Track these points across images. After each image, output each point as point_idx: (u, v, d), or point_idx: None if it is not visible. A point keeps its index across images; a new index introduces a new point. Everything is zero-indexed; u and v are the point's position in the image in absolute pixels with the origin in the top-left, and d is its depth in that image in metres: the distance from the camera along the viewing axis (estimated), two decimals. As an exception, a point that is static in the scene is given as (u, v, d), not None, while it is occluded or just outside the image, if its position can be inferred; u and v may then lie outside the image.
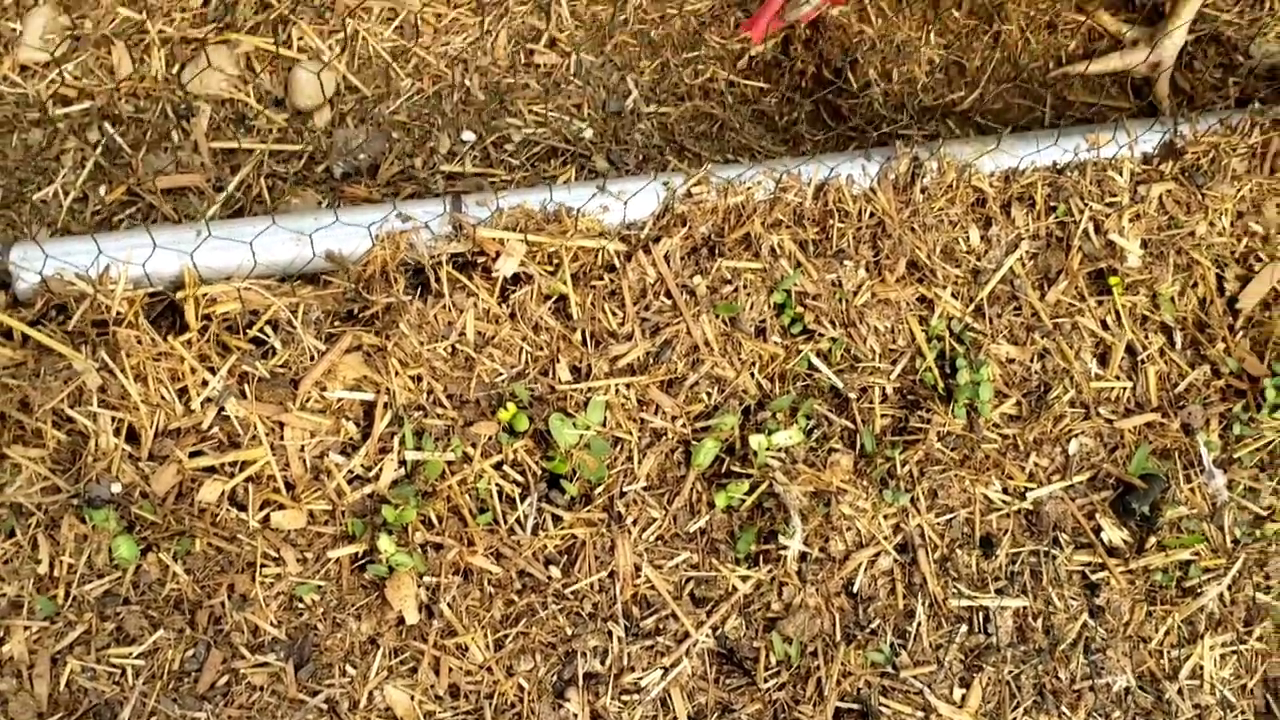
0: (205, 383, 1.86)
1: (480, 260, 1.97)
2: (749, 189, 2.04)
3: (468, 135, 2.25)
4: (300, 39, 2.28)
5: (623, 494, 1.91)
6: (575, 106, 2.29)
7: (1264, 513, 2.00)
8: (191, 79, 2.23)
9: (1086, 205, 2.09)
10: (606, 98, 2.30)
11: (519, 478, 1.90)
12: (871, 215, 2.05)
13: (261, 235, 1.90)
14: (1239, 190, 2.13)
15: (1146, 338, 2.07)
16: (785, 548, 1.86)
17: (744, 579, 1.88)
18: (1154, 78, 2.32)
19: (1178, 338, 2.08)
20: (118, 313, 1.90)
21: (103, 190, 2.19)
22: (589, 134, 2.26)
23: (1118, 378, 2.05)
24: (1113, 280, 2.06)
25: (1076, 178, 2.11)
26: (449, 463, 1.88)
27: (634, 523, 1.89)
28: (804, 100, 2.33)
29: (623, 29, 2.35)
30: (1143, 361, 2.06)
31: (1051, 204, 2.10)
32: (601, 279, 1.99)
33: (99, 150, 2.20)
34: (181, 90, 2.24)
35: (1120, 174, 2.12)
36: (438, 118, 2.27)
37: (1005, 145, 2.10)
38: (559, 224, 1.98)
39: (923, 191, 2.07)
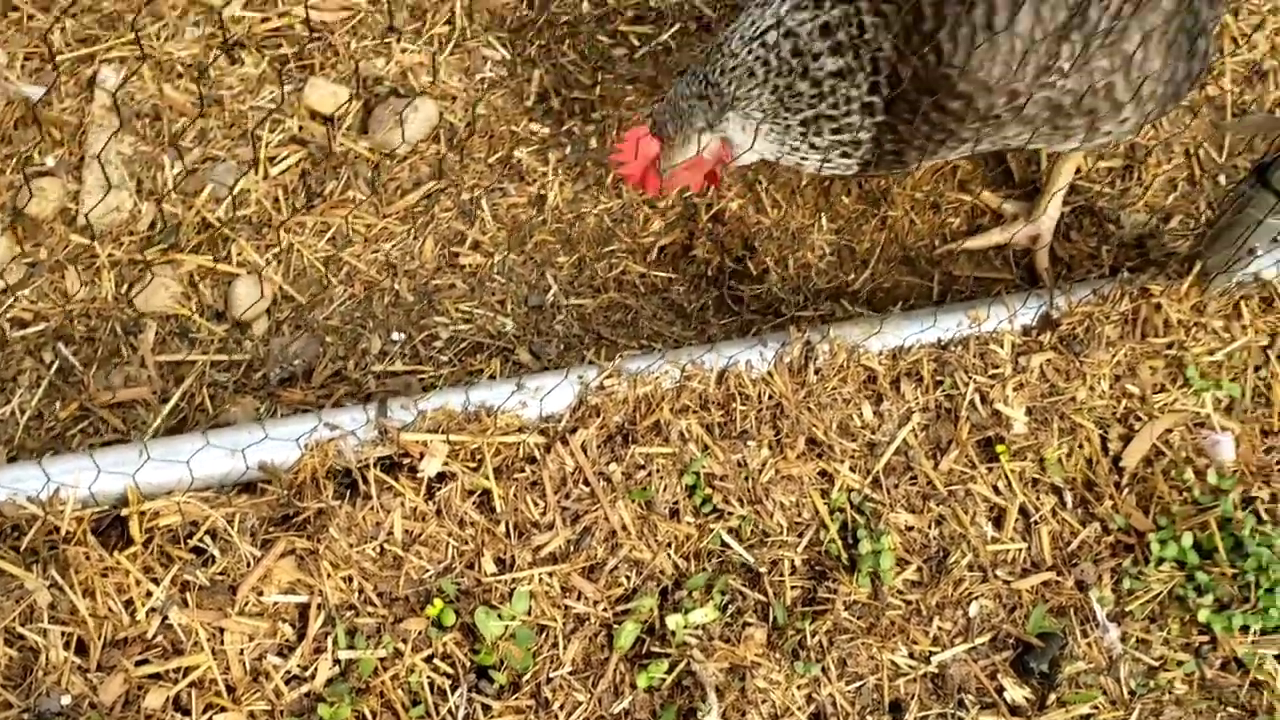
0: (150, 593, 1.98)
1: (406, 461, 2.10)
2: (657, 378, 2.19)
3: (397, 335, 2.41)
4: (239, 255, 2.45)
5: (549, 680, 2.01)
6: (499, 303, 2.46)
7: (1156, 663, 2.12)
8: (138, 294, 2.39)
9: (971, 378, 2.25)
10: (528, 293, 2.47)
11: (449, 670, 2.00)
12: (770, 397, 2.20)
13: (198, 454, 2.04)
14: (1114, 356, 2.29)
15: (1038, 499, 2.21)
16: (703, 724, 1.96)
17: (665, 757, 1.97)
18: (1034, 249, 2.51)
19: (1068, 498, 2.22)
20: (67, 531, 2.02)
21: (57, 406, 2.33)
22: (511, 328, 2.42)
23: (1013, 539, 2.18)
24: (999, 448, 2.20)
25: (960, 352, 2.27)
26: (381, 659, 1.98)
27: (561, 708, 1.99)
28: (709, 288, 2.50)
29: (541, 228, 2.53)
30: (1036, 522, 2.19)
31: (938, 378, 2.25)
32: (523, 471, 2.13)
33: (53, 369, 2.35)
34: (130, 308, 2.40)
35: (1002, 346, 2.29)
36: (369, 320, 2.43)
37: (891, 326, 2.27)
38: (479, 423, 2.12)
39: (816, 372, 2.23)
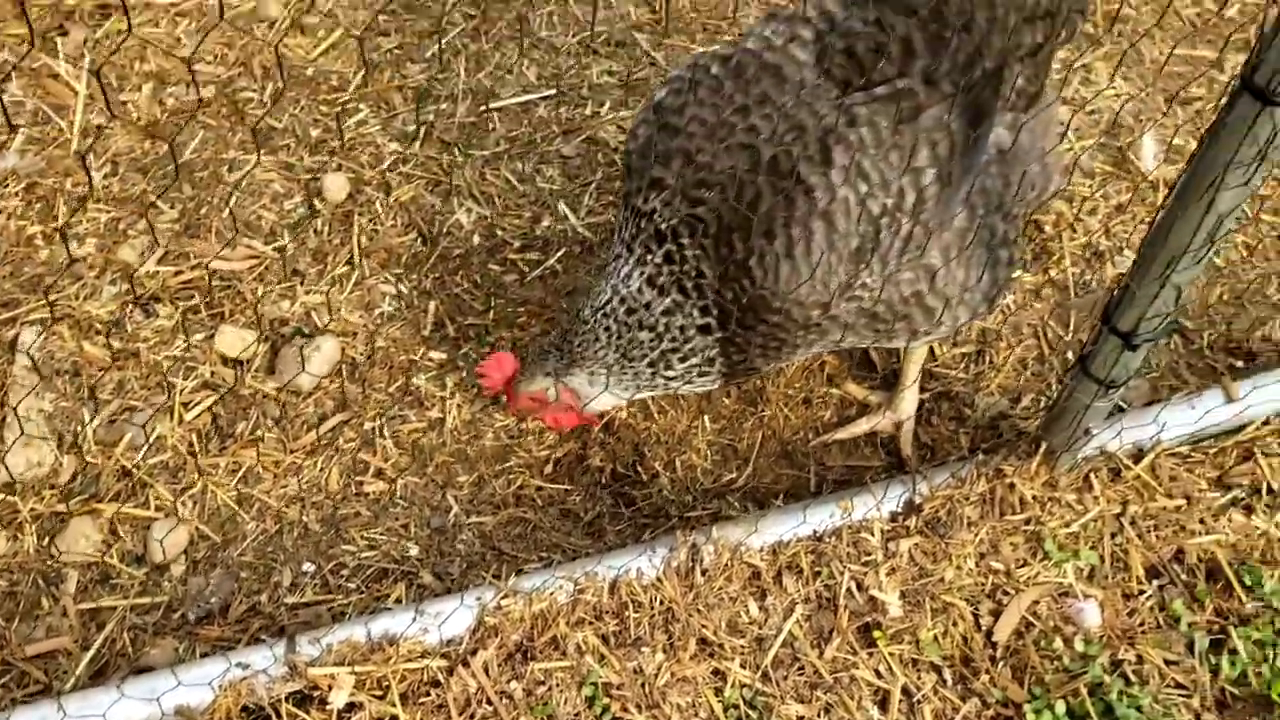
0: None
1: (316, 694, 2.21)
2: (552, 593, 2.33)
3: (308, 566, 2.54)
4: (156, 499, 2.59)
5: None
6: (402, 527, 2.60)
7: (1041, 831, 2.23)
8: (59, 545, 2.50)
9: (846, 567, 2.40)
10: (430, 515, 2.62)
11: None
12: (661, 602, 2.34)
13: (115, 705, 2.14)
14: (976, 535, 2.46)
15: (919, 679, 2.34)
16: None
17: None
18: (898, 436, 2.70)
19: (947, 675, 2.36)
20: (-14, 793, 2.10)
21: (-21, 661, 2.41)
22: (415, 551, 2.56)
23: (897, 720, 2.31)
24: (877, 633, 2.35)
25: (834, 542, 2.44)
26: None
27: None
28: (604, 495, 2.66)
29: (441, 450, 2.70)
30: (918, 702, 2.32)
31: (816, 569, 2.41)
32: (428, 695, 2.24)
33: (-25, 627, 2.44)
34: (52, 559, 2.51)
35: (872, 534, 2.45)
36: (280, 553, 2.56)
37: (769, 523, 2.43)
38: (383, 651, 2.24)
39: (703, 573, 2.38)
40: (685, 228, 2.16)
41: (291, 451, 2.67)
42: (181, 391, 2.73)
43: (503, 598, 2.31)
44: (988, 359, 2.86)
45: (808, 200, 2.08)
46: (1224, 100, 1.77)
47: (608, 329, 2.23)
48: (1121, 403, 2.79)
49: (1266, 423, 2.69)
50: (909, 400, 2.68)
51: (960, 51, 2.15)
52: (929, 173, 2.11)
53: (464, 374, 2.80)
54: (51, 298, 2.85)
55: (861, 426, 2.71)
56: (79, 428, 2.68)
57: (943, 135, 2.12)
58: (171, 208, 3.05)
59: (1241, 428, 2.69)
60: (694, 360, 2.24)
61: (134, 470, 2.62)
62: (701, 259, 2.15)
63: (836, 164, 2.08)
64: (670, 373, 2.25)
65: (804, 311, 2.14)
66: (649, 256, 2.19)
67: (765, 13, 2.88)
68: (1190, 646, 2.40)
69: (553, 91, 3.32)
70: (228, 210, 3.03)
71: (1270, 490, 2.61)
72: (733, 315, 2.16)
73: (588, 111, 3.29)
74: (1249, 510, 2.59)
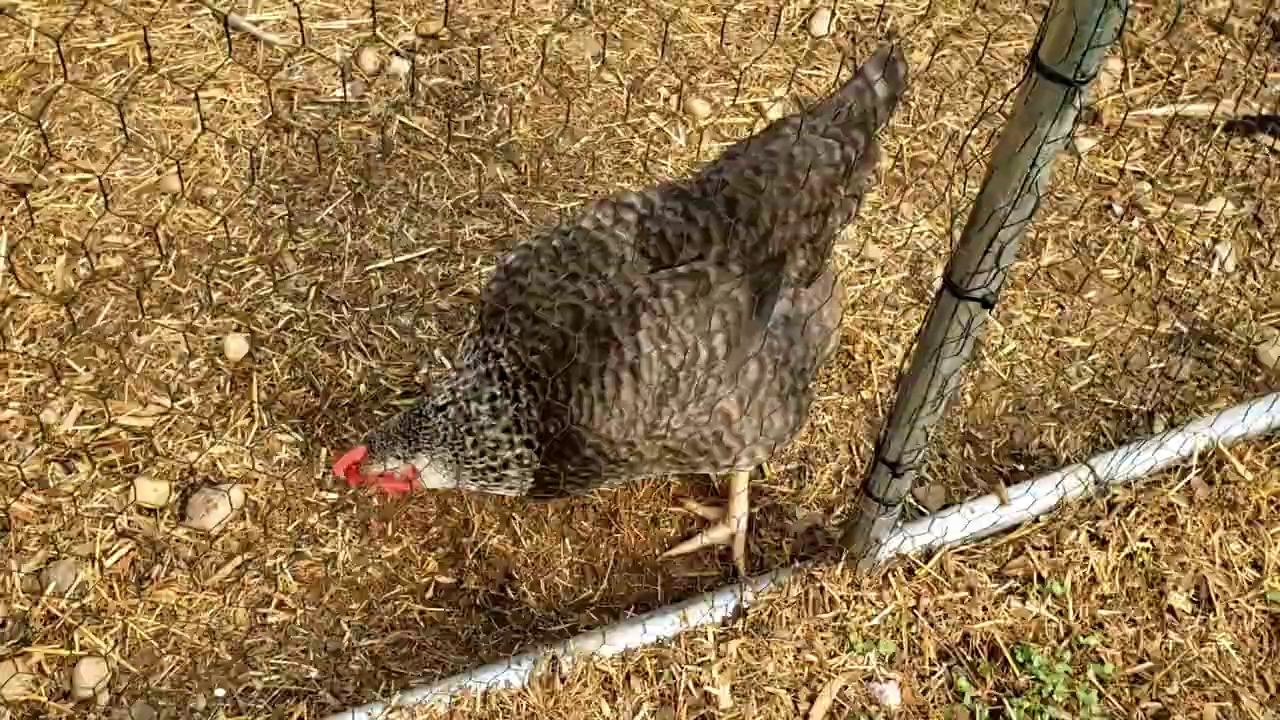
0: None
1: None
2: (432, 706, 2.72)
3: (220, 692, 2.89)
4: (81, 640, 2.93)
5: None
6: (303, 652, 2.97)
7: None
8: (-7, 690, 2.83)
9: (684, 668, 2.84)
10: (326, 640, 3.00)
11: None
12: (527, 709, 2.75)
13: (50, 829, 2.47)
14: (794, 632, 2.92)
15: (748, 759, 2.77)
16: None
17: None
18: (732, 547, 3.16)
19: (771, 754, 2.80)
20: None
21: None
22: (315, 673, 2.93)
23: (730, 796, 2.73)
24: (710, 723, 2.78)
25: (675, 647, 2.87)
26: None
27: None
28: (478, 615, 3.07)
29: (335, 581, 3.08)
30: (747, 779, 2.75)
31: (659, 671, 2.84)
32: (327, 801, 2.60)
33: (-83, 765, 2.74)
34: (-15, 700, 2.83)
35: (707, 637, 2.90)
36: (195, 681, 2.91)
37: (618, 634, 2.86)
38: (287, 767, 2.61)
39: (562, 681, 2.79)
40: (522, 371, 2.63)
41: (203, 589, 3.03)
42: (101, 540, 3.08)
43: (390, 712, 2.70)
44: (808, 475, 3.34)
45: (618, 354, 2.56)
46: (933, 302, 2.28)
47: (446, 430, 2.67)
48: (921, 506, 3.29)
49: (1036, 520, 3.21)
50: (739, 516, 3.14)
51: (747, 241, 2.65)
52: (719, 335, 2.61)
53: (353, 512, 3.19)
54: (-21, 460, 3.19)
55: (698, 542, 3.16)
56: (7, 578, 3.01)
57: (731, 306, 2.62)
58: (86, 370, 3.41)
59: (1016, 525, 3.20)
60: (514, 479, 2.70)
61: (59, 615, 2.96)
62: (531, 401, 2.61)
63: (643, 326, 2.57)
64: (495, 482, 2.72)
65: (613, 448, 2.61)
66: (490, 388, 2.64)
67: (599, 199, 3.38)
68: (973, 717, 2.88)
69: (430, 250, 3.77)
70: (139, 371, 3.40)
71: (1040, 579, 3.11)
72: (552, 448, 2.62)
73: (461, 267, 3.74)
74: (1024, 597, 3.09)
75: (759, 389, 2.68)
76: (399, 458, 2.72)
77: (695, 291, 2.60)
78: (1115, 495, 3.27)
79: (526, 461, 2.66)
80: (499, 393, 2.65)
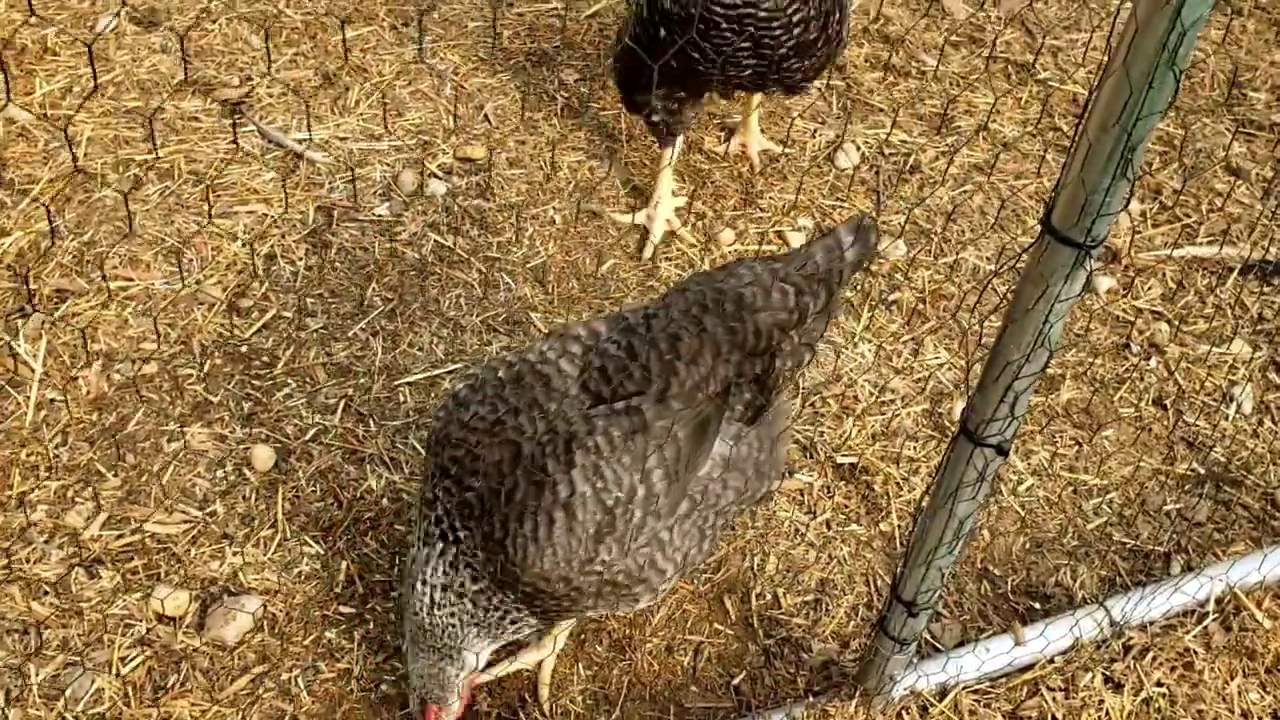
0: None
1: None
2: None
3: (228, 808, 2.89)
4: (92, 748, 2.94)
5: None
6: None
7: None
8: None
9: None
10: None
11: None
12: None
13: None
14: (805, 768, 2.90)
15: None
16: None
17: None
18: (539, 673, 3.13)
19: None
20: None
21: None
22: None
23: None
24: None
25: (685, 779, 2.85)
26: None
27: None
28: (489, 738, 3.07)
29: (349, 698, 3.09)
30: None
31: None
32: None
33: None
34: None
35: (717, 770, 2.88)
36: (204, 797, 2.91)
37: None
38: None
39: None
40: (458, 512, 2.65)
41: (217, 701, 3.04)
42: (119, 647, 3.10)
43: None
44: (825, 607, 3.35)
45: (552, 492, 2.57)
46: (949, 447, 2.33)
47: (452, 614, 2.71)
48: (937, 643, 3.29)
49: (1051, 661, 3.20)
50: (557, 635, 3.12)
51: (688, 379, 2.64)
52: (657, 472, 2.61)
53: (370, 627, 3.21)
54: (3, 561, 3.24)
55: (506, 667, 3.14)
56: (25, 683, 3.03)
57: (670, 443, 2.61)
58: (115, 475, 3.47)
59: (1031, 665, 3.19)
60: (511, 616, 2.75)
61: (74, 721, 2.98)
62: (468, 538, 2.65)
63: (577, 464, 2.57)
64: (510, 625, 2.76)
65: (550, 585, 2.61)
66: (438, 544, 2.68)
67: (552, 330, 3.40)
68: None
69: (457, 366, 3.85)
70: (166, 478, 3.47)
71: (1054, 719, 3.10)
72: (496, 582, 2.66)
73: (486, 384, 3.81)
74: (1039, 739, 3.07)
75: (685, 521, 2.71)
76: (456, 674, 2.79)
77: (632, 428, 2.60)
78: (1131, 638, 3.26)
79: (490, 595, 2.70)
80: (446, 553, 2.69)
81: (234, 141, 4.41)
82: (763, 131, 4.71)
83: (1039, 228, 2.03)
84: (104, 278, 3.93)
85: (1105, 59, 1.80)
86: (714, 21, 3.57)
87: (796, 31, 3.68)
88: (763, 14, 3.58)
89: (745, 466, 2.78)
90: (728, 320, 2.66)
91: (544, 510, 2.56)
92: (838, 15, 3.85)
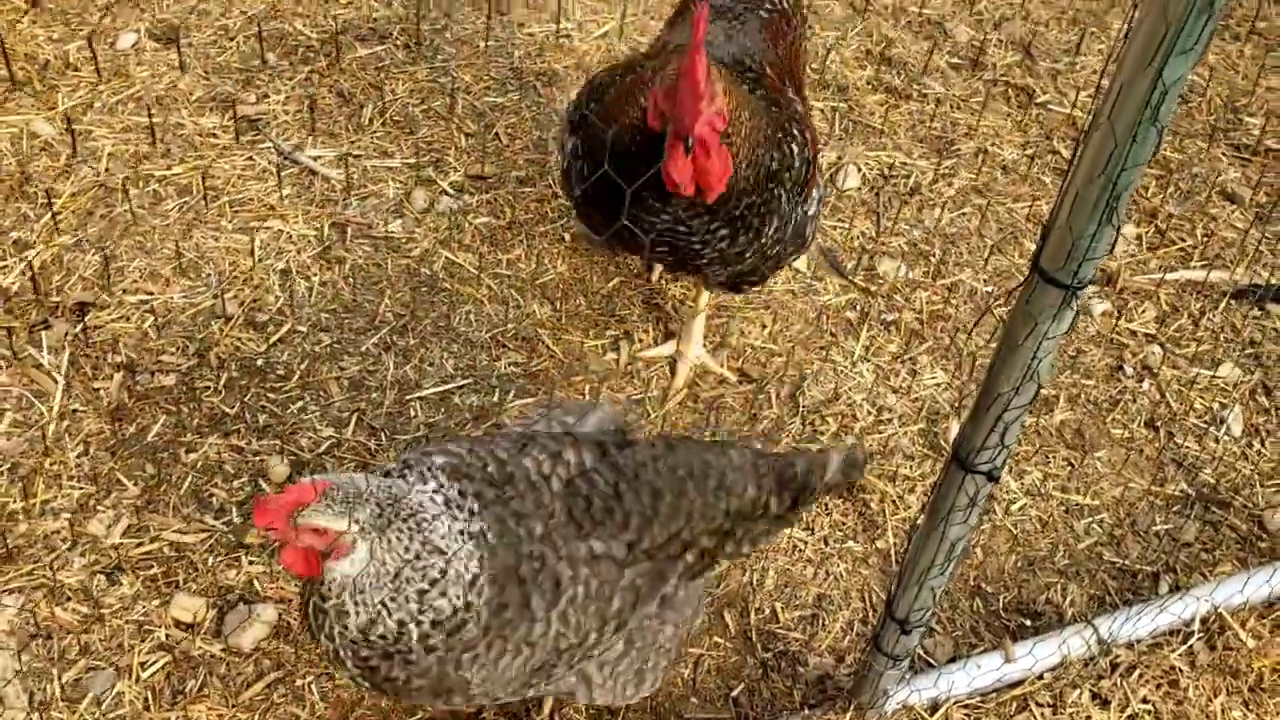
0: None
1: None
2: (448, 835, 2.81)
3: (243, 810, 2.99)
4: (113, 750, 3.04)
5: None
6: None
7: None
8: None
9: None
10: (349, 763, 3.10)
11: None
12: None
13: None
14: (801, 779, 3.00)
15: None
16: None
17: None
18: None
19: None
20: None
21: None
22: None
23: None
24: None
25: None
26: None
27: None
28: (496, 744, 3.17)
29: (360, 705, 3.19)
30: None
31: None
32: None
33: None
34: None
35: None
36: (220, 798, 3.01)
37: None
38: None
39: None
40: None
41: (234, 706, 3.15)
42: (139, 652, 3.21)
43: (407, 839, 2.79)
44: (821, 622, 3.45)
45: (528, 626, 2.48)
46: (941, 472, 2.43)
47: None
48: (929, 658, 3.39)
49: (1040, 678, 3.30)
50: None
51: (659, 536, 2.64)
52: (612, 623, 2.59)
53: (382, 635, 3.32)
54: (28, 568, 3.34)
55: None
56: (48, 686, 3.14)
57: (631, 593, 2.61)
58: (135, 485, 3.58)
59: (1021, 681, 3.29)
60: None
61: (95, 724, 3.08)
62: None
63: (559, 606, 2.50)
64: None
65: (466, 687, 2.52)
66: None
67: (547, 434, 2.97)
68: None
69: (467, 381, 3.96)
70: (184, 488, 3.57)
71: (1043, 736, 3.20)
72: None
73: (495, 399, 3.92)
74: (1027, 753, 3.17)
75: (621, 663, 2.72)
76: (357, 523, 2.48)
77: (606, 579, 2.56)
78: (1118, 656, 3.37)
79: None
80: None
81: (250, 158, 4.52)
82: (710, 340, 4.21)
83: (1033, 247, 2.13)
84: (124, 291, 4.04)
85: (1103, 82, 1.91)
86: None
87: (721, 246, 3.33)
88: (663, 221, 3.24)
89: (681, 606, 2.78)
90: (707, 495, 2.70)
91: (514, 642, 2.49)
92: (781, 234, 3.42)
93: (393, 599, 2.38)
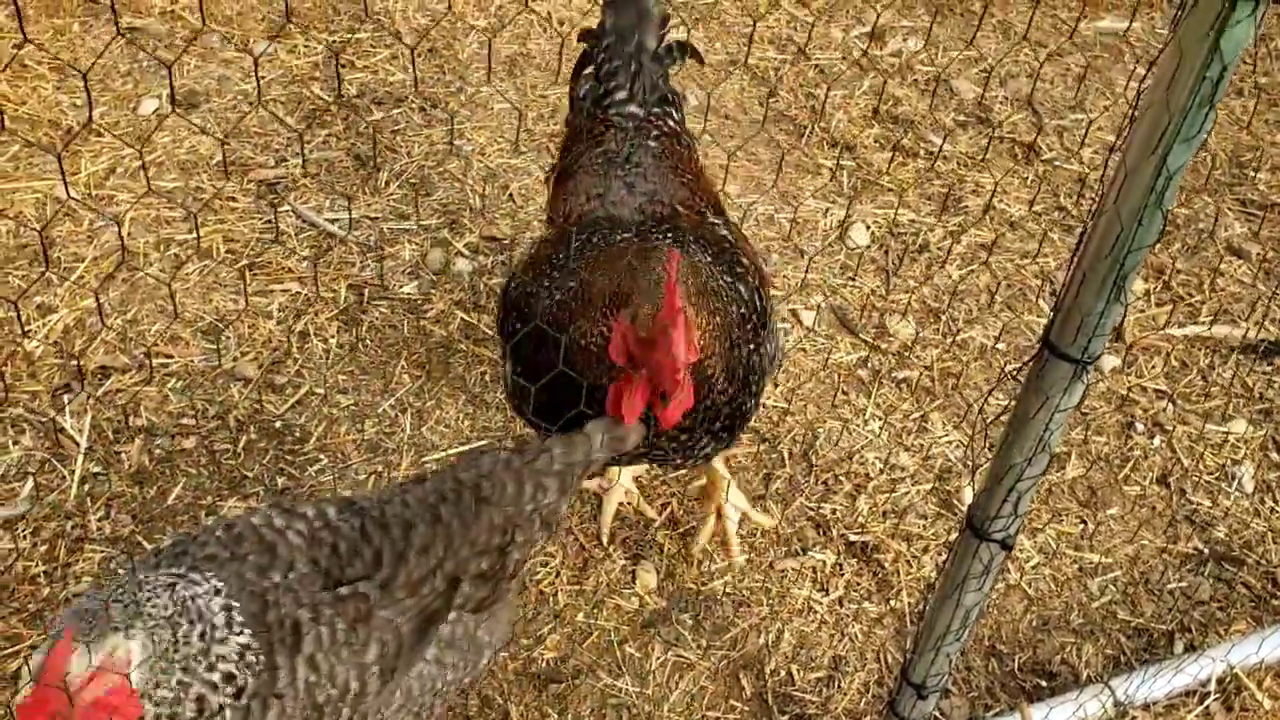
0: None
1: None
2: None
3: None
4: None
5: None
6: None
7: None
8: None
9: None
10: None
11: None
12: None
13: None
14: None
15: None
16: None
17: None
18: None
19: None
20: None
21: None
22: None
23: None
24: None
25: None
26: None
27: None
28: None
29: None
30: None
31: None
32: None
33: None
34: None
35: (734, 845, 2.98)
36: None
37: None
38: None
39: None
40: None
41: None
42: (159, 718, 3.23)
43: None
44: (837, 684, 3.46)
45: (272, 678, 2.31)
46: (956, 540, 2.46)
47: None
48: (945, 720, 3.40)
49: (1059, 742, 3.31)
50: None
51: (416, 570, 2.50)
52: (374, 669, 2.43)
53: (400, 699, 3.34)
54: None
55: None
56: (69, 752, 3.16)
57: (392, 635, 2.45)
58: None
59: (1039, 744, 3.30)
60: None
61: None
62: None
63: (303, 651, 2.34)
64: None
65: None
66: None
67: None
68: None
69: (482, 441, 4.00)
70: (204, 551, 3.61)
71: (1061, 799, 3.19)
72: None
73: (511, 460, 3.95)
74: (1045, 816, 3.17)
75: (400, 714, 2.58)
76: None
77: (356, 618, 2.42)
78: (1135, 717, 3.37)
79: None
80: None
81: (269, 221, 4.60)
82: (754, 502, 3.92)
83: (1043, 304, 2.17)
84: (146, 355, 4.10)
85: (1109, 138, 1.96)
86: None
87: (706, 451, 3.09)
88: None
89: (467, 650, 2.65)
90: (465, 514, 2.56)
91: (259, 694, 2.29)
92: (761, 385, 3.12)
93: (184, 673, 2.21)
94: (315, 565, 2.43)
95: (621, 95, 3.56)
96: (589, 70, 3.65)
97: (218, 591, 2.31)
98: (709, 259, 2.99)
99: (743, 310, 2.97)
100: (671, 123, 3.61)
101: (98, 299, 4.21)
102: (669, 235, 3.04)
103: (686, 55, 3.74)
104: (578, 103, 3.67)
